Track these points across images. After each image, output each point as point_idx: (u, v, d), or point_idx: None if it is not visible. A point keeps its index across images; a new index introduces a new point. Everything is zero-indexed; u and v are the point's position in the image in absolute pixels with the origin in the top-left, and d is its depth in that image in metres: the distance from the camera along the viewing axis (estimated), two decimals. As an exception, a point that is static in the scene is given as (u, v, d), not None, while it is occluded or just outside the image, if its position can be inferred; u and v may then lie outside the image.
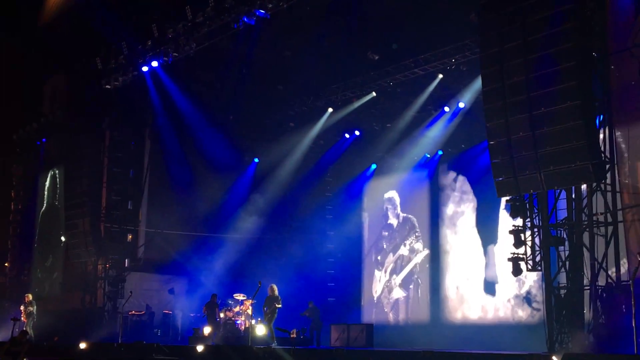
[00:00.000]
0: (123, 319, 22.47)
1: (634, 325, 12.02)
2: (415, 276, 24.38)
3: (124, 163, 25.02)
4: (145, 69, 22.50)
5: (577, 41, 14.06)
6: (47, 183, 28.26)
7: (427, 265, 24.04)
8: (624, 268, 15.10)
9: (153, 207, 25.77)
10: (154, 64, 22.08)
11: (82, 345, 18.44)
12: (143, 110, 24.81)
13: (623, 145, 15.60)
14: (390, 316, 24.90)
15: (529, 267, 15.75)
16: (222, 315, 21.44)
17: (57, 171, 27.46)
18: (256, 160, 26.97)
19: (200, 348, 16.83)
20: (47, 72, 27.85)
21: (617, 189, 15.30)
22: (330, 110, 24.42)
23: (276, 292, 19.27)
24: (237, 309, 21.31)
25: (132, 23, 22.44)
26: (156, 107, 24.16)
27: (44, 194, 28.41)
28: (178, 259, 25.39)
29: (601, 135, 15.10)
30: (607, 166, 15.04)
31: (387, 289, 25.26)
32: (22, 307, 22.61)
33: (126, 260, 24.87)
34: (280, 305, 19.00)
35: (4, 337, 22.68)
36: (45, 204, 28.39)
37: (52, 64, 26.75)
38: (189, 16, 20.22)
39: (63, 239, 25.90)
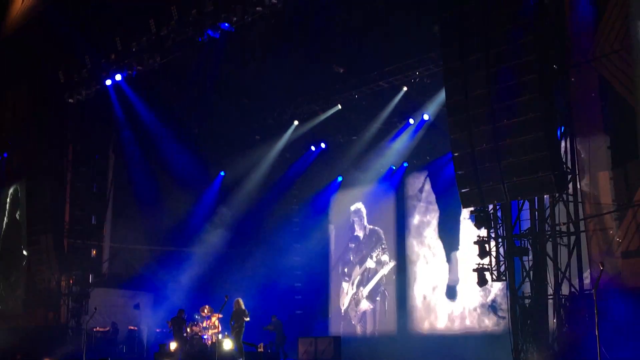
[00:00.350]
0: (87, 335, 22.15)
1: (597, 333, 12.15)
2: (382, 288, 24.42)
3: (87, 177, 24.72)
4: (108, 82, 22.30)
5: (538, 54, 14.26)
6: (9, 198, 27.78)
7: (394, 277, 24.11)
8: (587, 278, 15.30)
9: (117, 222, 25.50)
10: (118, 77, 21.89)
11: (45, 364, 18.13)
12: (107, 124, 24.56)
13: (584, 156, 15.82)
14: (358, 328, 24.90)
15: (494, 277, 15.87)
16: (188, 330, 21.22)
17: (18, 186, 27.02)
18: (222, 173, 26.86)
19: (166, 364, 16.65)
20: (7, 85, 27.42)
21: (579, 199, 15.52)
22: (296, 123, 24.46)
23: (242, 306, 19.16)
24: (204, 323, 21.12)
25: (95, 36, 22.22)
26: (120, 121, 23.97)
27: (5, 209, 27.92)
28: (143, 274, 25.12)
29: (563, 146, 15.32)
30: (569, 177, 15.25)
31: (354, 301, 25.26)
32: (-17, 325, 22.18)
33: (90, 275, 24.51)
34: (248, 319, 18.89)
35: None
36: (6, 220, 27.89)
37: (13, 76, 26.35)
38: (153, 29, 20.09)
39: (25, 253, 25.48)
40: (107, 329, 23.80)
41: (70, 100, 23.50)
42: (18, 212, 26.72)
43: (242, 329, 18.99)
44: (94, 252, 25.01)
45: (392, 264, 24.20)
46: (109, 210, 25.29)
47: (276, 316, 22.40)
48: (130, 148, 24.84)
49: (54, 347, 21.94)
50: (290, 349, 22.18)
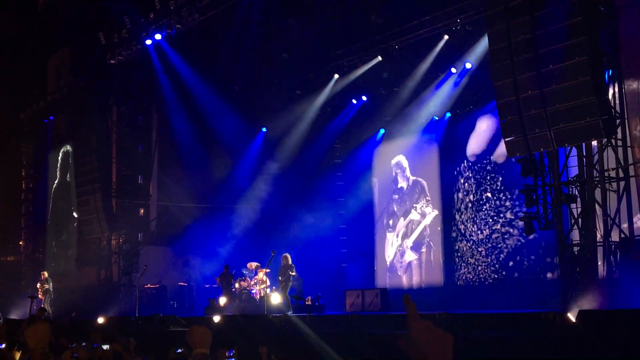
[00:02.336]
0: (139, 292, 22.69)
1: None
2: (427, 239, 24.40)
3: (132, 138, 25.07)
4: (149, 42, 22.38)
5: (584, -4, 13.89)
6: (58, 160, 28.36)
7: (439, 228, 24.03)
8: (637, 223, 15.07)
9: (164, 180, 25.86)
10: (158, 37, 21.95)
11: (100, 320, 18.63)
12: (149, 84, 24.75)
13: (632, 100, 15.45)
14: (404, 280, 24.98)
15: (542, 225, 15.74)
16: (237, 285, 21.58)
17: (67, 148, 27.52)
18: (264, 129, 26.90)
19: (216, 319, 16.96)
20: (50, 50, 27.77)
21: (628, 143, 15.20)
22: (336, 76, 24.28)
23: (290, 261, 19.37)
24: (253, 280, 21.43)
25: (133, -4, 22.32)
26: (161, 81, 24.10)
27: (55, 172, 28.52)
28: (191, 231, 25.50)
29: (611, 91, 14.97)
30: (618, 121, 14.93)
31: (399, 253, 25.30)
32: (38, 285, 22.84)
33: (139, 234, 25.01)
34: (294, 273, 19.11)
35: (22, 315, 22.97)
36: (56, 181, 28.51)
37: (55, 41, 26.66)
38: (191, -13, 20.06)
39: (75, 215, 26.06)
40: (157, 285, 24.32)
41: (112, 62, 23.69)
42: (68, 174, 27.28)
43: (289, 283, 19.24)
44: (142, 211, 25.47)
45: (434, 213, 24.11)
46: (155, 170, 25.64)
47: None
48: (172, 107, 25.01)
49: (106, 305, 22.54)
50: (338, 301, 22.38)
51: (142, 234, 25.26)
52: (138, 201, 25.01)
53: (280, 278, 19.29)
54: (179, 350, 8.30)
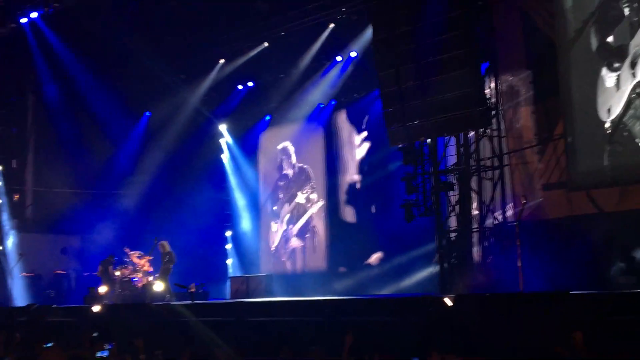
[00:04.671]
0: (13, 281, 21.79)
1: (519, 264, 12.64)
2: (312, 225, 24.65)
3: (6, 120, 23.94)
4: (24, 20, 21.41)
5: (463, -10, 14.34)
6: None
7: (323, 214, 24.33)
8: (509, 210, 15.80)
9: (40, 165, 24.84)
10: (34, 15, 21.03)
11: (-30, 311, 17.78)
12: (24, 64, 23.63)
13: (507, 92, 16.15)
14: (288, 265, 25.16)
15: (421, 212, 16.23)
16: (118, 273, 21.06)
17: None
18: (148, 113, 26.29)
19: (96, 308, 16.54)
20: None
21: (503, 134, 15.89)
22: (222, 61, 24.03)
23: (167, 248, 19.14)
24: (134, 266, 20.99)
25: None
26: (37, 61, 23.08)
27: None
28: (69, 218, 24.62)
29: (487, 82, 15.58)
30: (493, 112, 15.56)
31: (284, 239, 25.45)
32: None
33: (14, 220, 23.97)
34: (174, 261, 18.94)
35: None
36: None
37: None
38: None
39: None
40: (34, 274, 23.41)
41: (-16, 40, 22.48)
42: None
43: (167, 271, 19.07)
44: (17, 196, 24.42)
45: (321, 202, 24.39)
46: (30, 154, 24.60)
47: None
48: (50, 89, 24.01)
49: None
50: (222, 288, 22.29)
51: (17, 220, 24.21)
52: (12, 187, 23.95)
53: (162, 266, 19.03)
54: (49, 345, 8.03)
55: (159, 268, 19.40)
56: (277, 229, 25.71)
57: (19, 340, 10.73)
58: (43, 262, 23.93)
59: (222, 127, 26.93)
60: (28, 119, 24.49)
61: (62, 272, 23.99)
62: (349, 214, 23.52)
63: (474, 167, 15.78)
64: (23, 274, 22.96)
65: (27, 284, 23.15)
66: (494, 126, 15.68)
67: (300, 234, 24.95)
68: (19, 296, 22.25)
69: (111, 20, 21.89)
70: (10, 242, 23.36)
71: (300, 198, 25.06)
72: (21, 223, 24.24)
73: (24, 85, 24.52)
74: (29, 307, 17.71)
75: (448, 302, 11.74)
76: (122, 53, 23.28)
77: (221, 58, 23.93)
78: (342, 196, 23.76)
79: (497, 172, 15.84)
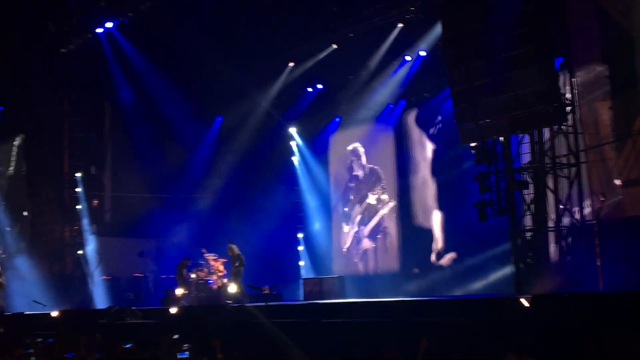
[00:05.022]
0: (94, 284, 22.42)
1: (598, 263, 12.32)
2: (384, 226, 24.56)
3: (84, 127, 24.65)
4: (100, 30, 22.04)
5: (534, -16, 14.06)
6: (9, 151, 27.71)
7: (395, 215, 24.21)
8: (587, 208, 15.39)
9: (117, 170, 25.53)
10: (109, 24, 21.62)
11: (54, 313, 18.36)
12: (101, 73, 24.33)
13: (583, 87, 15.74)
14: (360, 266, 25.13)
15: (495, 211, 15.96)
16: (193, 275, 21.46)
17: (18, 139, 26.93)
18: (219, 118, 26.71)
19: (173, 310, 16.86)
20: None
21: (579, 130, 15.50)
22: (291, 64, 24.19)
23: (236, 251, 19.33)
24: (210, 269, 21.32)
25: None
26: (114, 69, 23.73)
27: (7, 163, 27.89)
28: (146, 222, 25.24)
29: (561, 78, 15.22)
30: (568, 108, 15.19)
31: (355, 240, 25.44)
32: (-10, 279, 22.35)
33: (93, 225, 24.66)
34: (244, 264, 19.16)
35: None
36: (8, 173, 27.88)
37: (3, 29, 25.98)
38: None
39: (28, 207, 25.57)
40: (112, 277, 24.05)
41: (63, 50, 23.23)
42: (20, 165, 26.70)
43: (239, 274, 19.27)
44: (96, 201, 25.10)
45: (392, 203, 24.28)
46: (108, 160, 25.27)
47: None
48: (126, 96, 24.65)
49: (61, 297, 22.19)
50: (295, 290, 22.41)
51: (96, 224, 24.91)
52: (91, 192, 24.66)
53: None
54: (128, 346, 8.21)
55: (234, 269, 19.64)
56: (348, 230, 25.72)
57: (99, 341, 11.03)
58: (121, 265, 24.60)
59: (293, 130, 27.14)
60: (105, 126, 25.17)
61: (140, 274, 24.57)
62: (420, 215, 23.33)
63: (549, 165, 15.43)
64: (103, 277, 23.61)
65: (107, 287, 23.80)
66: (570, 122, 15.30)
67: (372, 235, 24.89)
68: (100, 299, 22.89)
69: (183, 27, 22.30)
70: (91, 246, 24.05)
71: (371, 199, 25.00)
72: (100, 227, 24.92)
73: (101, 93, 25.22)
74: (109, 310, 18.20)
75: (525, 302, 11.52)
76: (194, 59, 23.73)
77: (290, 61, 24.08)
78: (414, 196, 23.60)
79: (573, 169, 15.45)
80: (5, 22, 24.70)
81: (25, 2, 23.56)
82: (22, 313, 20.80)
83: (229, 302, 18.92)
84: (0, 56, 27.12)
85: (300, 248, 26.74)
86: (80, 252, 23.86)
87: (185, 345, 10.04)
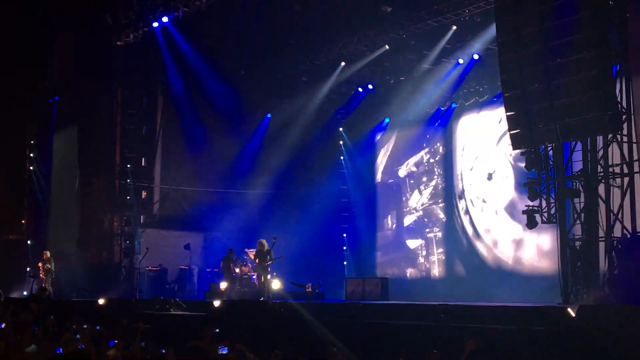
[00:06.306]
0: (140, 274, 22.74)
1: (649, 276, 12.02)
2: (429, 230, 24.40)
3: (136, 120, 25.00)
4: (155, 24, 22.32)
5: (594, -11, 13.79)
6: (62, 141, 28.30)
7: (443, 220, 24.05)
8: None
9: (167, 163, 25.85)
10: (165, 19, 21.89)
11: (101, 301, 18.69)
12: (154, 67, 24.67)
13: (639, 95, 15.37)
14: (405, 268, 25.01)
15: (544, 219, 15.72)
16: (237, 270, 21.61)
17: (72, 129, 27.48)
18: (269, 115, 26.86)
19: (217, 303, 17.02)
20: (57, 29, 27.64)
21: (634, 139, 15.14)
22: (343, 64, 24.17)
23: (267, 246, 19.24)
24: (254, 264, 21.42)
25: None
26: (167, 63, 24.01)
27: (60, 152, 28.48)
28: (193, 215, 25.54)
29: (617, 86, 14.89)
30: (624, 117, 14.86)
31: (401, 242, 25.31)
32: (40, 264, 22.86)
33: (141, 216, 25.02)
34: (273, 260, 19.07)
35: (23, 294, 23.05)
36: (60, 162, 28.48)
37: (61, 21, 26.54)
38: (199, -30, 19.95)
39: (79, 196, 26.08)
40: (158, 268, 24.37)
41: (118, 43, 23.61)
42: (72, 155, 27.24)
43: (266, 270, 19.20)
44: (145, 193, 25.45)
45: (440, 205, 24.11)
46: (158, 153, 25.60)
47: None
48: (178, 90, 24.94)
49: (108, 286, 22.58)
50: (337, 289, 22.40)
51: (144, 216, 25.27)
52: (141, 183, 25.01)
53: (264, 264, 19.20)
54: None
55: (259, 265, 19.50)
56: (393, 232, 25.62)
57: (142, 330, 11.17)
58: (168, 257, 24.90)
59: (341, 129, 27.14)
60: (157, 119, 25.47)
61: (185, 267, 24.85)
62: (474, 212, 23.09)
63: (601, 174, 15.12)
64: (149, 268, 23.94)
65: (153, 278, 24.13)
66: (624, 131, 14.97)
67: (418, 237, 24.76)
68: (145, 289, 23.22)
69: (236, 23, 22.47)
70: (138, 237, 24.41)
71: (419, 201, 24.86)
72: (148, 219, 25.27)
73: (154, 87, 25.54)
74: (154, 300, 18.45)
75: (572, 312, 11.34)
76: (245, 56, 23.90)
77: (342, 61, 24.06)
78: (461, 199, 23.40)
79: (626, 179, 15.10)
80: (63, 14, 25.27)
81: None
82: (70, 300, 21.25)
83: (272, 297, 19.01)
84: (59, 47, 27.80)
85: (345, 247, 26.74)
86: (128, 242, 24.22)
87: (225, 339, 10.13)
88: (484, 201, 22.77)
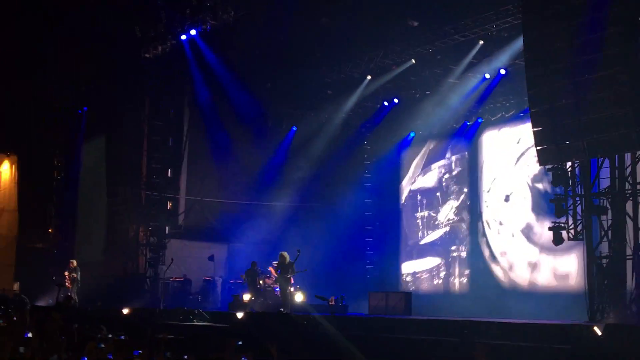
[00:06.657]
0: (164, 285, 22.84)
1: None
2: (453, 244, 24.27)
3: (163, 131, 25.17)
4: (184, 37, 22.56)
5: (623, 5, 13.71)
6: (90, 151, 28.60)
7: (466, 233, 23.92)
8: (668, 237, 14.85)
9: (192, 175, 26.00)
10: (193, 32, 22.11)
11: (125, 311, 18.80)
12: (182, 79, 24.88)
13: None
14: (427, 283, 24.88)
15: (571, 236, 15.59)
16: (261, 282, 21.64)
17: (100, 139, 27.77)
18: (294, 128, 26.95)
19: (240, 315, 17.05)
20: (85, 41, 27.95)
21: (662, 157, 15.00)
22: (368, 77, 24.20)
23: (288, 259, 19.23)
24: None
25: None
26: (195, 76, 24.21)
27: (87, 162, 28.77)
28: (218, 226, 25.64)
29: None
30: (653, 133, 14.70)
31: (424, 256, 25.20)
32: (66, 273, 23.06)
33: (167, 227, 25.16)
34: (294, 272, 19.08)
35: (49, 303, 23.23)
36: (88, 171, 28.76)
37: (90, 32, 26.83)
38: (227, -16, 20.14)
39: (105, 206, 26.31)
40: (183, 279, 24.47)
41: (147, 55, 23.86)
42: (99, 164, 27.52)
43: (288, 282, 19.21)
44: (170, 204, 25.61)
45: (464, 220, 23.99)
46: (184, 164, 25.76)
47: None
48: (204, 102, 25.12)
49: (132, 296, 22.71)
50: (360, 302, 22.32)
51: (170, 227, 25.40)
52: (167, 194, 25.17)
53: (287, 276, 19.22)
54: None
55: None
56: (418, 247, 25.52)
57: (166, 340, 11.21)
58: (192, 268, 25.00)
59: (367, 143, 27.14)
60: (184, 130, 25.66)
61: (209, 278, 24.93)
62: (491, 234, 22.99)
63: (629, 191, 14.98)
64: (173, 278, 24.05)
65: (177, 288, 24.22)
66: (653, 148, 14.83)
67: (441, 253, 24.64)
68: (169, 300, 23.32)
69: (263, 36, 22.59)
70: (163, 248, 24.52)
71: (442, 216, 24.77)
72: (173, 230, 25.40)
73: (181, 99, 25.74)
74: (178, 311, 18.52)
75: (597, 331, 11.21)
76: (272, 68, 24.01)
77: (368, 75, 24.09)
78: (485, 215, 23.28)
79: (654, 197, 14.95)
80: (93, 24, 25.54)
81: (113, 7, 24.30)
82: (95, 309, 21.39)
83: (295, 310, 18.99)
84: (88, 58, 28.08)
85: (369, 261, 26.68)
86: (153, 252, 24.37)
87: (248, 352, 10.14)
88: (500, 223, 22.68)
